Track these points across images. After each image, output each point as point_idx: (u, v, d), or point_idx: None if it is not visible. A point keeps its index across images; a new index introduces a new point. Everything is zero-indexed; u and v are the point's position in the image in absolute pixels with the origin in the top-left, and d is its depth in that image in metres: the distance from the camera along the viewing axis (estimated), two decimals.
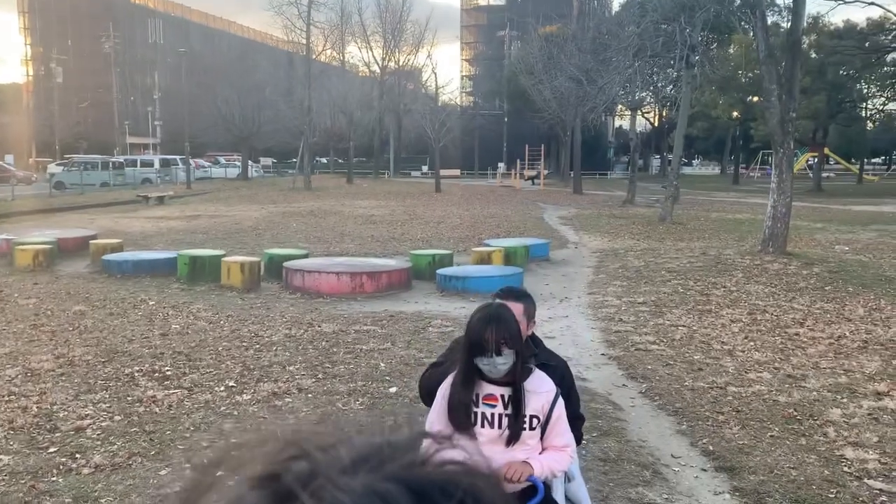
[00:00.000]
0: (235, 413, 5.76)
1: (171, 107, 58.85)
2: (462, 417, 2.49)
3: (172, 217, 22.60)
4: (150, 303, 9.82)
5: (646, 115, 62.72)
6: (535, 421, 2.52)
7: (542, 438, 2.57)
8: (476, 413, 2.51)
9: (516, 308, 2.83)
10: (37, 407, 5.82)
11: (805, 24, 26.54)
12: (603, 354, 7.71)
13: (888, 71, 42.51)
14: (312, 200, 29.74)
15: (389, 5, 59.98)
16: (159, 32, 78.53)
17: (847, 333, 8.42)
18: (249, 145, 49.60)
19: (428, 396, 2.78)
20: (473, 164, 68.20)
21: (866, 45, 37.43)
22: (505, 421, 2.49)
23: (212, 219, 22.12)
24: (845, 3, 21.50)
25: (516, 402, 2.48)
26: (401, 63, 61.33)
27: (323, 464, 0.35)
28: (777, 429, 5.51)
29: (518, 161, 50.27)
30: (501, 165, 57.66)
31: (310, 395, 6.15)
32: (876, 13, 44.93)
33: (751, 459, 4.97)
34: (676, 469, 4.90)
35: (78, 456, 4.93)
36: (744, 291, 10.90)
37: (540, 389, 2.55)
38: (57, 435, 5.27)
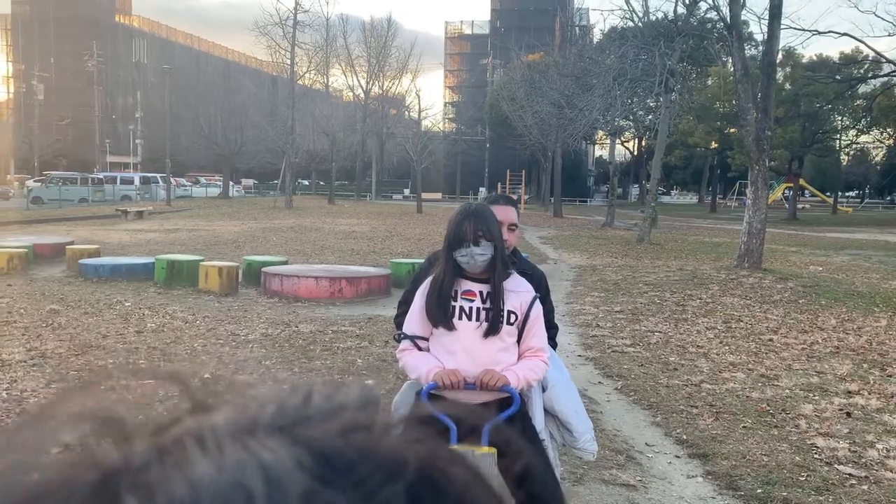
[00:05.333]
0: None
1: (153, 126, 58.73)
2: (441, 310, 2.53)
3: (151, 230, 22.44)
4: (126, 304, 9.73)
5: (625, 143, 63.55)
6: (512, 317, 2.56)
7: (518, 341, 2.60)
8: (454, 307, 2.55)
9: (512, 212, 2.95)
10: (6, 393, 5.74)
11: (779, 56, 27.08)
12: (580, 356, 7.75)
13: (860, 104, 43.46)
14: (293, 218, 29.66)
15: (374, 31, 60.58)
16: (143, 52, 78.55)
17: (819, 340, 8.53)
18: (231, 165, 49.51)
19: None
20: (455, 189, 68.54)
21: (837, 77, 38.31)
22: (483, 314, 2.53)
23: (191, 232, 21.99)
24: (818, 33, 22.04)
25: (495, 296, 2.53)
26: (385, 89, 61.76)
27: (210, 423, 0.26)
28: (750, 421, 5.56)
29: (499, 185, 50.63)
30: (483, 190, 58.02)
31: (285, 387, 6.11)
32: (848, 47, 46.08)
33: (723, 447, 5.01)
34: (650, 455, 4.93)
35: None
36: (719, 303, 11.01)
37: (518, 289, 2.61)
38: (26, 418, 5.20)
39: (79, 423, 0.26)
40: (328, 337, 8.06)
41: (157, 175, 45.21)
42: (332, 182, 49.13)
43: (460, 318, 2.55)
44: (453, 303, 2.56)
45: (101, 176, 44.26)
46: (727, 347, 8.05)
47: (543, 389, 2.78)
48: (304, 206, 40.04)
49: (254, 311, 9.59)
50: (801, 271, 14.77)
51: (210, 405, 0.27)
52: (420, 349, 2.63)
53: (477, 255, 2.50)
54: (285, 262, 12.44)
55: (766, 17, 12.76)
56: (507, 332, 2.57)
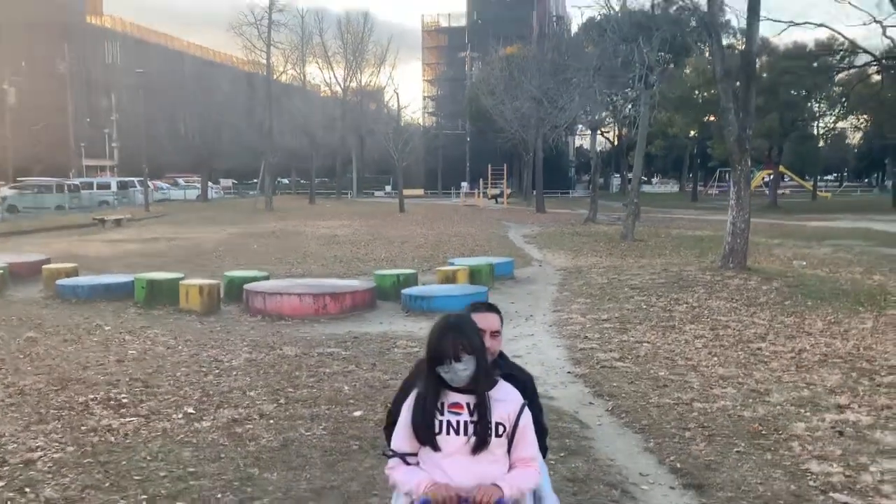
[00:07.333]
0: (194, 441, 5.58)
1: (129, 128, 57.96)
2: (426, 427, 2.45)
3: (130, 240, 22.15)
4: (106, 328, 9.55)
5: (605, 134, 63.65)
6: (501, 428, 2.49)
7: (509, 450, 2.52)
8: (441, 421, 2.47)
9: (494, 318, 2.88)
10: None
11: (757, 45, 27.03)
12: (569, 373, 7.69)
13: (837, 91, 43.75)
14: (274, 221, 29.43)
15: (350, 26, 60.21)
16: (116, 53, 77.49)
17: (808, 347, 8.53)
18: (209, 166, 49.04)
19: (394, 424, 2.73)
20: (437, 184, 68.39)
21: (815, 65, 38.48)
22: (471, 428, 2.45)
23: (170, 241, 21.73)
24: (795, 24, 22.09)
25: (482, 408, 2.45)
26: (363, 83, 61.43)
27: None
28: (743, 444, 5.51)
29: (481, 180, 50.55)
30: (465, 185, 57.89)
31: (271, 421, 5.99)
32: (823, 35, 46.32)
33: (718, 476, 4.95)
34: (645, 487, 4.86)
35: (27, 490, 4.70)
36: (706, 307, 11.00)
37: (505, 398, 2.53)
38: (5, 468, 5.03)
39: None
40: (314, 360, 7.94)
41: (135, 179, 44.66)
42: (312, 182, 48.83)
43: (448, 432, 2.47)
44: (440, 417, 2.48)
45: (77, 182, 43.68)
46: (716, 359, 8.02)
47: (536, 499, 2.70)
48: (284, 206, 39.76)
49: (237, 332, 9.44)
50: (786, 269, 14.81)
51: None
52: (409, 465, 2.55)
53: (460, 371, 2.44)
54: (267, 278, 12.28)
55: (745, 14, 12.71)
56: (497, 444, 2.49)
